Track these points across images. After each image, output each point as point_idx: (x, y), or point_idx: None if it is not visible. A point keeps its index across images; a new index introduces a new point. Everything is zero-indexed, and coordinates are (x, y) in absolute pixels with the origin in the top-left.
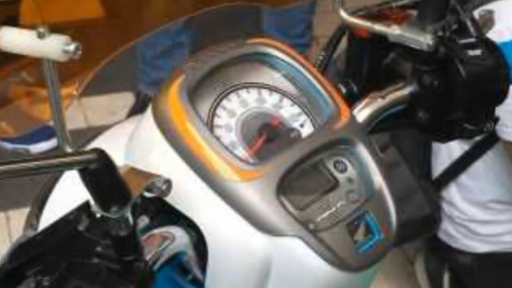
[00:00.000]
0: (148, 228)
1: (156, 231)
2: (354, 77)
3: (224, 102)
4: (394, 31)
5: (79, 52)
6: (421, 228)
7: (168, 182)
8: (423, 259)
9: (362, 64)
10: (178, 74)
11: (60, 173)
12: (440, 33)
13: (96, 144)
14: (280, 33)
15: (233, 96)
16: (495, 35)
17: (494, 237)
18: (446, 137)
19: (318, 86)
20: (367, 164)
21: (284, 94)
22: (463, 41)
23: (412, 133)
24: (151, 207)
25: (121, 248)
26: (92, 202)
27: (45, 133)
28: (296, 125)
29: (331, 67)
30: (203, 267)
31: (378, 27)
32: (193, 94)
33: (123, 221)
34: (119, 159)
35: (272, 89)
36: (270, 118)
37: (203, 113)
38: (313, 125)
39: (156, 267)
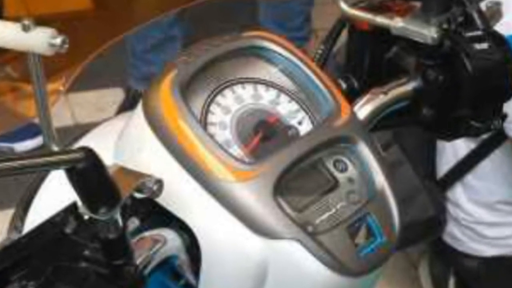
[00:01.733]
0: (138, 230)
1: (147, 233)
2: (355, 72)
3: (218, 98)
4: (397, 23)
5: (66, 46)
6: (425, 230)
7: (159, 182)
8: (427, 263)
9: (363, 59)
10: (170, 69)
11: (46, 173)
12: (445, 26)
13: (83, 142)
14: (277, 26)
15: (227, 92)
16: (503, 27)
17: (502, 240)
18: (452, 135)
19: (317, 82)
20: (368, 164)
21: (281, 90)
22: (470, 34)
23: (415, 131)
24: (141, 209)
25: (110, 251)
26: (79, 203)
27: (30, 130)
28: (294, 122)
29: (331, 61)
30: (196, 271)
31: (380, 20)
32: (185, 90)
33: (112, 223)
34: (108, 158)
35: (268, 84)
36: (266, 115)
37: (196, 110)
38: (312, 123)
39: (146, 271)
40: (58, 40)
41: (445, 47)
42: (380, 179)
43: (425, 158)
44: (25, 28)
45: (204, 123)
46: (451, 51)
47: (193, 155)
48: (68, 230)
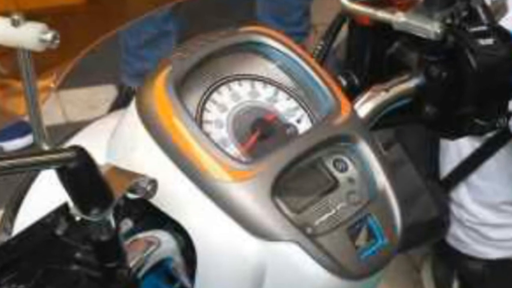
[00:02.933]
0: (131, 232)
1: (140, 235)
2: (355, 69)
3: (214, 96)
4: (398, 18)
5: (57, 41)
6: (428, 232)
7: (153, 183)
8: (430, 266)
9: (364, 55)
10: (164, 65)
11: (36, 172)
12: (448, 21)
13: (75, 141)
14: (275, 21)
15: (224, 89)
16: (508, 22)
17: (507, 242)
18: (455, 134)
19: (316, 78)
20: (369, 163)
21: (279, 87)
22: (474, 29)
23: (418, 129)
24: (135, 210)
25: (102, 254)
26: (71, 204)
27: (20, 129)
28: (292, 120)
29: (331, 57)
30: (191, 274)
31: (382, 14)
32: (180, 87)
33: (104, 224)
34: (100, 158)
35: (266, 81)
36: (264, 113)
37: (192, 108)
38: (311, 121)
39: (140, 274)
40: (48, 36)
41: (449, 43)
42: (381, 179)
43: (428, 158)
44: (15, 23)
45: (199, 121)
46: (455, 47)
47: (188, 154)
48: (59, 231)
